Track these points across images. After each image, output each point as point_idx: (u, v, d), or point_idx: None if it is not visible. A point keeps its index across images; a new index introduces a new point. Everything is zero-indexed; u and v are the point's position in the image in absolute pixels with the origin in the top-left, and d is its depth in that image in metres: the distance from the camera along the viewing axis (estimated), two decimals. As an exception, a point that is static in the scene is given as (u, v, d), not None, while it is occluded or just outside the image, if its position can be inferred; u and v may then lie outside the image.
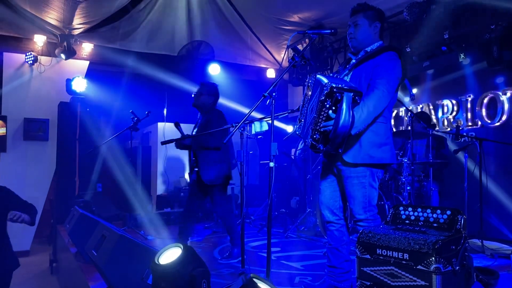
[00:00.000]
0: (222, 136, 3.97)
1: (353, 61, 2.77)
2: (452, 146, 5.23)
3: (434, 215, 2.19)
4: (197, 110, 4.36)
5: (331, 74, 2.70)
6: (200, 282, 2.07)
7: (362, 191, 2.61)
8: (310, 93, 2.55)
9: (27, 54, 6.25)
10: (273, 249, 4.39)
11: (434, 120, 5.74)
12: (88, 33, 6.55)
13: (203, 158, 4.11)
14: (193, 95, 4.31)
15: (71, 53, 6.38)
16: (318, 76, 2.45)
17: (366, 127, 2.50)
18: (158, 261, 2.18)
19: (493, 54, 4.68)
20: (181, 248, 2.19)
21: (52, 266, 5.35)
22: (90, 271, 3.43)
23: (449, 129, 5.54)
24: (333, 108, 2.32)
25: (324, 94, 2.33)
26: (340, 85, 2.32)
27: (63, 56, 6.32)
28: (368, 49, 2.71)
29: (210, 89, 4.29)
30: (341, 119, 2.26)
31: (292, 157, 6.76)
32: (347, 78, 2.71)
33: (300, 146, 6.33)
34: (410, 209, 2.31)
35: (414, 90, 5.78)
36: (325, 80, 2.36)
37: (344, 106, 2.27)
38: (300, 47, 6.81)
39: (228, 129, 3.78)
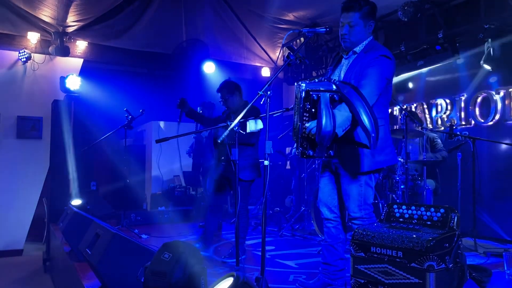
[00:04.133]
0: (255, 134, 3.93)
1: (344, 60, 2.76)
2: (445, 145, 5.25)
3: (428, 213, 2.20)
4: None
5: (316, 80, 2.64)
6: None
7: (358, 189, 2.62)
8: (297, 102, 2.53)
9: (21, 51, 6.20)
10: (267, 248, 4.40)
11: (428, 119, 5.77)
12: (82, 31, 6.50)
13: (239, 153, 4.05)
14: (222, 105, 4.23)
15: (65, 51, 6.34)
16: (300, 83, 2.40)
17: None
18: None
19: (486, 54, 4.72)
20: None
21: (46, 265, 5.33)
22: (84, 269, 3.41)
23: (442, 128, 5.56)
24: (313, 110, 2.27)
25: (302, 98, 2.29)
26: (315, 88, 2.28)
27: (56, 49, 6.26)
28: (357, 49, 2.68)
29: (229, 89, 4.19)
30: (322, 120, 2.20)
31: (288, 150, 6.75)
32: (338, 77, 2.70)
33: (295, 144, 6.33)
34: (404, 207, 2.33)
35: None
36: (302, 86, 2.32)
37: (322, 106, 2.21)
38: (295, 45, 6.82)
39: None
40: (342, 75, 2.70)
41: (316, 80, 2.59)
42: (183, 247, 2.23)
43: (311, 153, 2.36)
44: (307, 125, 2.28)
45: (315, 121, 2.25)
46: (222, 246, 4.76)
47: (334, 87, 2.35)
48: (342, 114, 2.29)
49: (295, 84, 2.48)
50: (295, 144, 2.44)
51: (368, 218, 2.62)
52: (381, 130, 2.54)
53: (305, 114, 2.30)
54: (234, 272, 1.92)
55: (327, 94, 2.26)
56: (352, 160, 2.55)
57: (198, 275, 2.13)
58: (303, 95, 2.28)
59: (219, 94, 4.21)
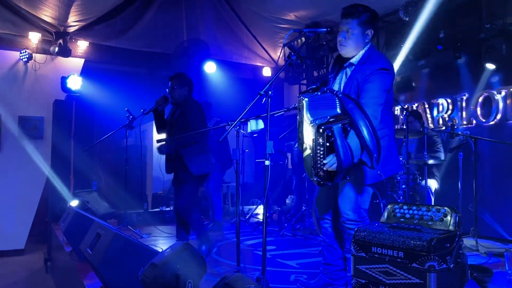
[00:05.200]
0: (202, 127, 3.94)
1: (344, 69, 2.71)
2: (447, 145, 5.25)
3: (429, 213, 2.20)
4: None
5: (318, 93, 2.58)
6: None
7: (357, 193, 2.60)
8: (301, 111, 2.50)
9: (22, 51, 6.21)
10: (268, 248, 4.40)
11: (430, 119, 5.76)
12: (83, 31, 6.51)
13: (189, 150, 4.01)
14: (167, 94, 4.14)
15: (66, 51, 6.34)
16: (303, 101, 2.39)
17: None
18: None
19: (488, 53, 4.71)
20: None
21: (47, 265, 5.33)
22: (85, 269, 3.42)
23: (444, 127, 5.56)
24: (327, 144, 2.24)
25: (314, 133, 2.26)
26: (325, 119, 2.25)
27: (55, 49, 6.27)
28: (354, 60, 2.63)
29: (181, 80, 4.12)
30: (341, 155, 2.19)
31: (288, 155, 6.76)
32: (338, 87, 2.67)
33: (296, 144, 6.34)
34: (405, 207, 2.32)
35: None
36: (309, 117, 2.30)
37: (338, 141, 2.20)
38: (296, 45, 6.83)
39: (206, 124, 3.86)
40: (342, 87, 2.66)
41: (319, 93, 2.54)
42: (182, 250, 2.24)
43: (329, 183, 2.35)
44: (325, 161, 2.24)
45: (333, 155, 2.22)
46: (223, 245, 4.76)
47: (338, 110, 2.32)
48: (356, 143, 2.28)
49: (298, 96, 2.48)
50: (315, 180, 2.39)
51: (361, 221, 2.58)
52: (385, 141, 2.53)
53: (319, 148, 2.26)
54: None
55: (340, 126, 2.23)
56: (357, 173, 2.53)
57: (184, 278, 2.15)
58: (315, 130, 2.25)
59: (169, 82, 4.16)
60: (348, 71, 2.66)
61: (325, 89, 2.73)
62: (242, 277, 1.97)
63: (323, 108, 2.33)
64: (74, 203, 5.09)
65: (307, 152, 2.40)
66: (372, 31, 2.62)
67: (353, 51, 2.62)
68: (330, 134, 2.21)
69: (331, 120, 2.24)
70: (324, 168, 2.26)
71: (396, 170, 2.66)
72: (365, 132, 2.25)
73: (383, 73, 2.51)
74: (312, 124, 2.26)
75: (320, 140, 2.24)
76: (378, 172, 2.52)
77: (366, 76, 2.51)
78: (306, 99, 2.38)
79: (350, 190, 2.60)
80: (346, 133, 2.25)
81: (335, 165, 2.23)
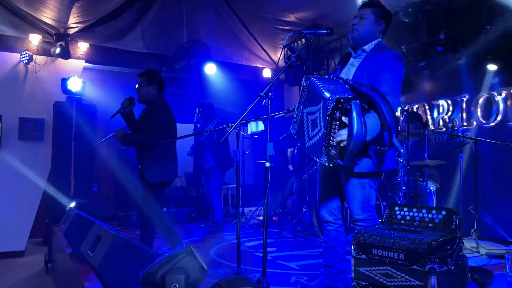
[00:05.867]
0: (166, 131, 3.75)
1: (352, 59, 2.76)
2: (447, 146, 5.25)
3: (430, 215, 2.19)
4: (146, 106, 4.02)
5: (326, 76, 2.66)
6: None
7: (362, 191, 2.61)
8: (305, 93, 2.54)
9: (22, 53, 6.22)
10: (269, 249, 4.40)
11: (430, 120, 5.76)
12: (83, 32, 6.52)
13: (146, 154, 3.79)
14: (136, 90, 3.97)
15: (66, 53, 6.35)
16: (315, 82, 2.39)
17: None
18: None
19: (488, 55, 4.71)
20: None
21: (48, 267, 5.32)
22: (86, 271, 3.41)
23: (444, 129, 5.55)
24: (343, 118, 2.24)
25: (331, 107, 2.26)
26: (345, 95, 2.26)
27: (57, 50, 6.27)
28: (366, 47, 2.69)
29: (149, 78, 3.90)
30: (354, 128, 2.18)
31: (289, 158, 6.76)
32: (345, 77, 2.69)
33: (297, 145, 6.34)
34: (405, 209, 2.32)
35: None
36: (327, 94, 2.29)
37: (354, 114, 2.19)
38: (296, 47, 6.83)
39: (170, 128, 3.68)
40: (351, 74, 2.68)
41: (326, 77, 2.60)
42: (178, 254, 2.24)
43: (339, 162, 2.31)
44: (341, 132, 2.24)
45: (346, 129, 2.23)
46: (224, 247, 4.76)
47: (347, 86, 2.36)
48: (373, 121, 2.30)
49: (304, 76, 2.50)
50: (306, 143, 2.41)
51: (371, 220, 2.61)
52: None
53: (334, 122, 2.25)
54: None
55: (358, 103, 2.23)
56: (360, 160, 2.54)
57: (170, 281, 2.16)
58: (333, 104, 2.24)
59: (139, 78, 3.96)
60: (356, 62, 2.70)
61: (331, 75, 2.76)
62: (237, 279, 1.97)
63: (335, 88, 2.36)
64: (72, 204, 5.09)
65: (315, 131, 2.41)
66: (384, 24, 2.72)
67: (363, 36, 2.68)
68: (348, 108, 2.21)
69: (350, 97, 2.26)
70: (336, 141, 2.26)
71: (391, 166, 2.66)
72: (384, 112, 2.27)
73: (398, 60, 2.57)
74: (331, 98, 2.25)
75: (337, 113, 2.23)
76: (374, 162, 2.52)
77: (382, 64, 2.55)
78: (314, 79, 2.40)
79: (356, 190, 2.61)
80: (363, 112, 2.26)
81: (345, 136, 2.22)
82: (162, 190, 3.93)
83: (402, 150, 4.12)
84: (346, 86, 2.43)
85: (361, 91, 2.37)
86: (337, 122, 2.25)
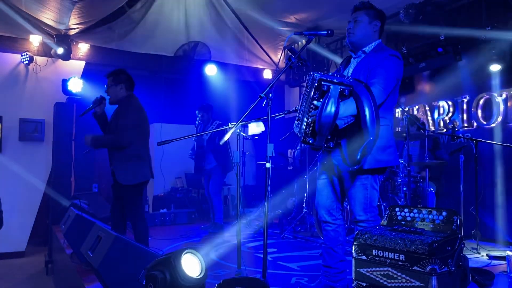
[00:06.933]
0: (136, 130, 3.65)
1: (352, 59, 2.80)
2: (448, 148, 5.24)
3: (430, 216, 2.19)
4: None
5: (330, 73, 2.69)
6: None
7: (364, 192, 2.61)
8: (308, 90, 2.57)
9: (23, 54, 6.22)
10: (269, 250, 4.40)
11: (430, 121, 5.76)
12: (84, 33, 6.52)
13: (117, 155, 3.70)
14: (105, 91, 3.89)
15: (67, 54, 6.35)
16: (314, 73, 2.46)
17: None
18: None
19: (488, 56, 4.71)
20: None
21: (48, 267, 5.33)
22: (86, 272, 3.41)
23: (445, 130, 5.55)
24: (320, 100, 2.35)
25: (314, 87, 2.36)
26: (329, 79, 2.36)
27: (59, 50, 6.27)
28: (366, 49, 2.73)
29: (115, 77, 3.81)
30: (324, 108, 2.29)
31: (290, 158, 6.76)
32: (348, 75, 2.72)
33: (298, 146, 6.34)
34: (406, 210, 2.32)
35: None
36: (317, 75, 2.39)
37: (329, 96, 2.31)
38: (297, 48, 6.84)
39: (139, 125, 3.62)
40: (350, 73, 2.74)
41: (330, 73, 2.63)
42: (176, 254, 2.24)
43: (310, 140, 2.45)
44: (314, 112, 2.36)
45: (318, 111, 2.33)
46: (224, 248, 4.76)
47: (347, 81, 2.41)
48: (346, 107, 2.38)
49: (309, 73, 2.53)
50: (299, 143, 2.49)
51: (373, 220, 2.61)
52: (384, 130, 2.58)
53: (313, 102, 2.38)
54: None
55: (338, 87, 2.34)
56: (352, 156, 2.55)
57: (148, 280, 2.17)
58: (316, 84, 2.35)
59: (107, 79, 3.88)
60: (359, 59, 2.74)
61: (335, 73, 2.80)
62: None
63: (330, 76, 2.44)
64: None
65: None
66: (379, 23, 2.74)
67: (361, 38, 2.72)
68: (325, 90, 2.34)
69: (334, 80, 2.36)
70: (310, 120, 2.40)
71: (393, 162, 2.66)
72: (366, 111, 2.33)
73: (395, 59, 2.60)
74: (315, 79, 2.36)
75: (316, 94, 2.36)
76: (375, 157, 2.53)
77: (377, 60, 2.60)
78: (317, 74, 2.45)
79: (358, 191, 2.61)
80: (342, 98, 2.37)
81: (317, 115, 2.33)
82: (138, 192, 3.77)
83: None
84: (345, 79, 2.48)
85: (356, 90, 2.42)
86: (314, 102, 2.38)
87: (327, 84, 2.33)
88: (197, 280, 2.19)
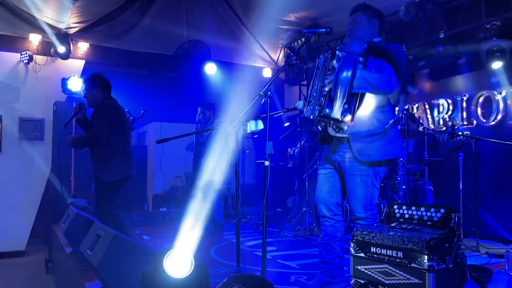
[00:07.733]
0: (109, 125, 3.74)
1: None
2: (447, 145, 5.24)
3: (428, 214, 2.19)
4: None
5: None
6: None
7: (364, 189, 2.62)
8: (319, 71, 2.59)
9: (22, 53, 6.22)
10: (268, 248, 4.40)
11: (430, 120, 5.76)
12: (84, 32, 6.52)
13: (96, 153, 3.85)
14: (83, 97, 4.05)
15: (66, 52, 6.35)
16: (325, 53, 2.53)
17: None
18: None
19: (488, 54, 4.71)
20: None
21: (48, 266, 5.33)
22: (85, 270, 3.42)
23: (444, 128, 5.55)
24: (334, 63, 2.41)
25: (329, 56, 2.43)
26: (343, 49, 2.43)
27: (61, 49, 6.27)
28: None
29: (91, 82, 3.95)
30: (342, 71, 2.34)
31: (290, 151, 6.74)
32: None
33: (298, 145, 6.34)
34: (404, 207, 2.32)
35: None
36: (328, 51, 2.47)
37: (345, 60, 2.36)
38: (296, 46, 6.83)
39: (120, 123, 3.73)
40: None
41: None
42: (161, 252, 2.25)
43: (327, 110, 2.42)
44: (329, 78, 2.41)
45: (334, 74, 2.39)
46: (224, 246, 4.77)
47: (360, 50, 2.48)
48: (362, 73, 2.41)
49: (319, 57, 2.60)
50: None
51: (372, 218, 2.62)
52: (391, 126, 2.62)
53: (327, 72, 2.42)
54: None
55: (354, 56, 2.39)
56: (363, 150, 2.58)
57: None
58: (329, 55, 2.41)
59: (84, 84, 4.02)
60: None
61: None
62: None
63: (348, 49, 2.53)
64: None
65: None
66: (378, 22, 2.77)
67: (362, 37, 2.72)
68: (340, 57, 2.39)
69: (348, 50, 2.43)
70: (325, 89, 2.41)
71: (400, 155, 2.70)
72: (397, 59, 2.47)
73: (398, 51, 2.64)
74: (329, 51, 2.44)
75: (333, 63, 2.39)
76: (384, 149, 2.57)
77: (390, 51, 2.62)
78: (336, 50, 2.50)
79: (358, 188, 2.62)
80: (359, 65, 2.41)
81: (333, 80, 2.38)
82: (115, 189, 3.84)
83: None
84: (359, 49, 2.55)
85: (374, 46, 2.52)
86: (330, 72, 2.41)
87: (342, 52, 2.38)
88: (180, 280, 2.16)
